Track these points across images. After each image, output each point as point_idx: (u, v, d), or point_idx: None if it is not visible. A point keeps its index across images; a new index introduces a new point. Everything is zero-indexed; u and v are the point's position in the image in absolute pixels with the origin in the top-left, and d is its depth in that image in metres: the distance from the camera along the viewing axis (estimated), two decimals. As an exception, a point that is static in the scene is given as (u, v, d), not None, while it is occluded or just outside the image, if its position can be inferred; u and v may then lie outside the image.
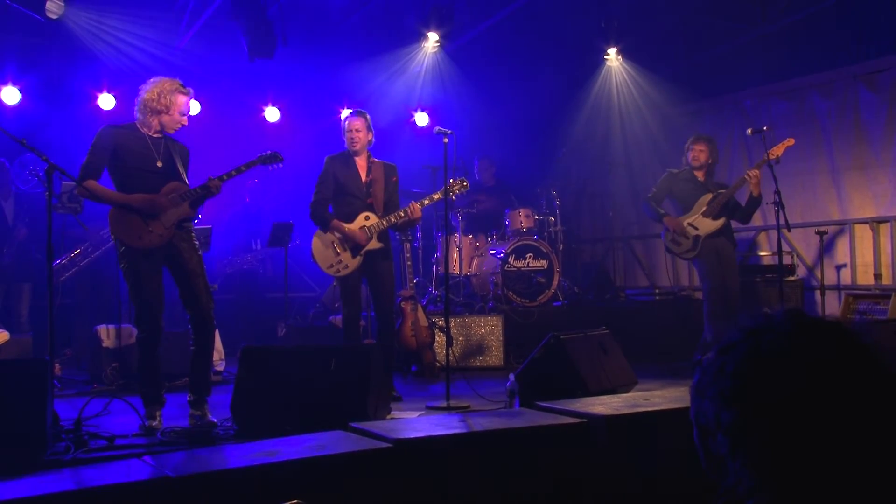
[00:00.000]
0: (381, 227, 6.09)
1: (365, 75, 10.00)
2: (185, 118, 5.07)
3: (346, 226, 6.08)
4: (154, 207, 4.85)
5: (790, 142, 6.73)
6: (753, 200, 6.88)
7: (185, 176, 5.09)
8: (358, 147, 6.14)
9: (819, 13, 8.36)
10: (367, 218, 6.11)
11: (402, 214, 6.07)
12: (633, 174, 10.66)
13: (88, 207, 7.24)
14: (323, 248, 6.14)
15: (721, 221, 6.94)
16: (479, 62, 10.11)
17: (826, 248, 7.93)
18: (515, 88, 10.73)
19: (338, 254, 6.09)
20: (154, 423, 4.78)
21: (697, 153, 7.10)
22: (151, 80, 5.04)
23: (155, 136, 5.01)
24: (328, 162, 6.22)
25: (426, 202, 6.21)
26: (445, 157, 5.88)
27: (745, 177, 6.76)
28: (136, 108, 5.01)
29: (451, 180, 6.23)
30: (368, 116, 6.22)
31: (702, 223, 6.99)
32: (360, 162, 6.19)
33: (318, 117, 10.57)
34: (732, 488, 1.15)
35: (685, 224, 7.04)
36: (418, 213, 6.12)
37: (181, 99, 5.00)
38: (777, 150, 6.70)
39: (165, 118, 4.97)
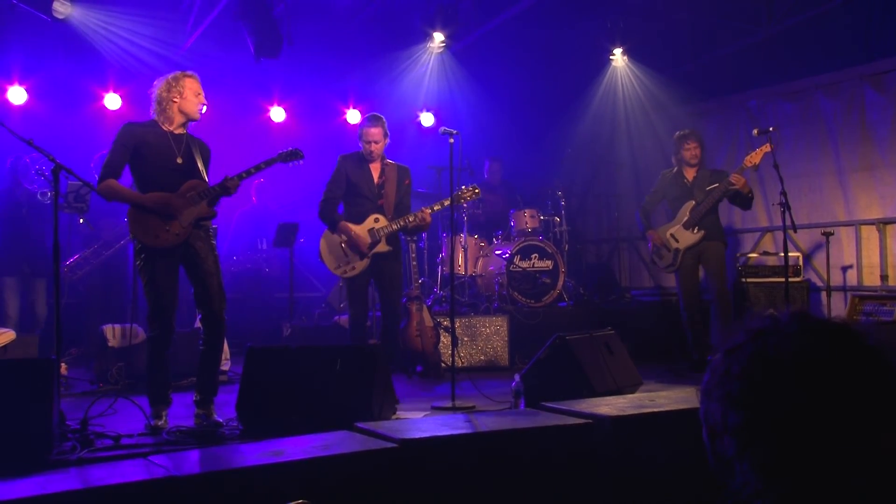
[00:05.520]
0: (390, 230, 6.10)
1: (370, 75, 10.02)
2: (202, 97, 5.06)
3: (353, 228, 6.08)
4: (169, 209, 4.85)
5: (767, 147, 6.77)
6: (744, 197, 7.02)
7: (205, 174, 5.09)
8: (375, 156, 6.17)
9: (825, 14, 8.33)
10: (376, 220, 6.12)
11: (412, 219, 6.08)
12: (638, 175, 10.64)
13: (95, 207, 7.26)
14: (330, 250, 6.15)
15: (700, 234, 7.10)
16: (484, 62, 10.10)
17: (832, 249, 7.91)
18: (521, 88, 10.73)
19: (346, 255, 6.10)
20: (160, 423, 4.78)
21: (694, 150, 7.28)
22: (156, 81, 5.08)
23: (177, 132, 5.02)
24: (341, 161, 6.25)
25: (437, 207, 6.18)
26: (451, 157, 5.87)
27: (730, 180, 6.91)
28: (152, 109, 5.02)
29: (462, 187, 6.26)
30: (384, 121, 6.23)
31: (682, 235, 7.18)
32: (374, 163, 6.21)
33: (324, 117, 10.59)
34: (739, 490, 1.14)
35: (667, 235, 7.25)
36: (428, 220, 6.12)
37: (189, 81, 5.01)
38: (754, 158, 6.87)
39: (184, 104, 4.97)
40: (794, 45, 8.79)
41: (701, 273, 7.26)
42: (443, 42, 9.37)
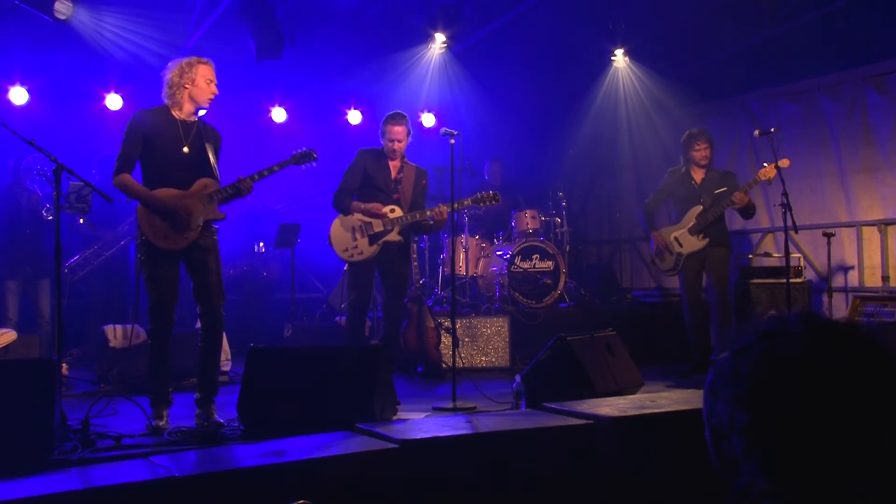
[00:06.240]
0: (406, 220, 6.12)
1: (372, 76, 10.01)
2: (213, 85, 5.01)
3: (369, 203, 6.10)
4: (181, 216, 4.80)
5: (784, 162, 6.70)
6: (746, 209, 6.98)
7: (216, 165, 5.03)
8: (398, 154, 6.19)
9: (827, 15, 8.32)
10: (392, 210, 6.14)
11: (430, 213, 6.11)
12: (639, 176, 10.64)
13: (97, 207, 7.27)
14: (342, 231, 6.17)
15: (705, 241, 7.00)
16: (486, 63, 10.10)
17: (833, 250, 7.90)
18: (522, 89, 10.72)
19: (355, 239, 6.12)
20: (161, 423, 4.78)
21: (704, 151, 7.10)
22: (170, 63, 5.04)
23: (188, 119, 4.98)
24: (360, 154, 6.29)
25: (456, 206, 6.17)
26: (452, 158, 5.86)
27: (733, 199, 6.81)
28: (164, 93, 4.97)
29: (482, 192, 6.33)
30: (408, 119, 6.25)
31: (687, 240, 7.08)
32: (394, 161, 6.25)
33: (325, 118, 10.59)
34: (745, 490, 1.14)
35: (671, 238, 7.14)
36: (445, 216, 6.14)
37: (203, 68, 4.96)
38: (769, 172, 6.74)
39: (195, 91, 4.93)
40: (796, 46, 8.78)
41: (704, 277, 7.22)
42: (444, 43, 9.37)
